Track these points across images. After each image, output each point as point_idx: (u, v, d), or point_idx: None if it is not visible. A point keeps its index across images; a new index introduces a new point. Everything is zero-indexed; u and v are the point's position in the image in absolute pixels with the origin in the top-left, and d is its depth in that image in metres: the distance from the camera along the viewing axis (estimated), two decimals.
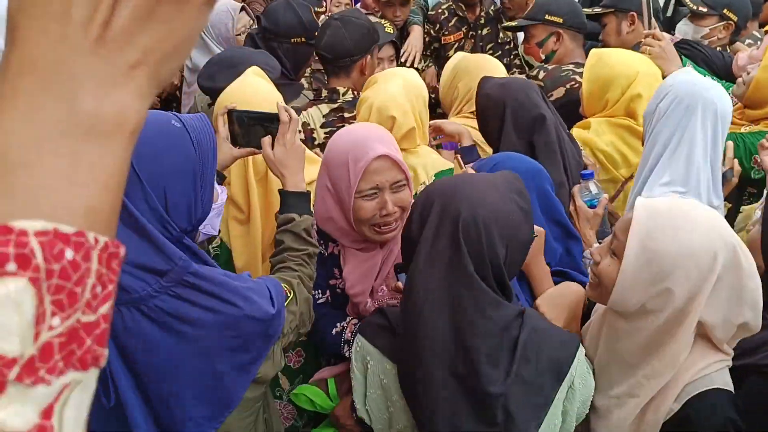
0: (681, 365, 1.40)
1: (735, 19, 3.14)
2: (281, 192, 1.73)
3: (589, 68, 2.54)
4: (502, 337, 1.37)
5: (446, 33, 4.02)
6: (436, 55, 4.12)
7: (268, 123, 1.77)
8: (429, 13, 4.12)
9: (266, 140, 1.74)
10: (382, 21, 3.37)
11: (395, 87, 2.22)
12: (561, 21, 2.96)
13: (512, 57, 4.03)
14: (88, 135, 0.38)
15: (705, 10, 3.16)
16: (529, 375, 1.37)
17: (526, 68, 3.20)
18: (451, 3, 4.04)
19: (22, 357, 0.34)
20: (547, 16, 2.96)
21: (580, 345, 1.46)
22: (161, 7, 0.38)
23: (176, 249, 1.26)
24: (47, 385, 0.35)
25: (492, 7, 4.05)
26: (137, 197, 1.25)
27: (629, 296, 1.41)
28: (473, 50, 3.86)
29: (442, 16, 4.02)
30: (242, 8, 3.27)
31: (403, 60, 3.74)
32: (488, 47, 4.00)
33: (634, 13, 3.04)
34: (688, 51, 2.99)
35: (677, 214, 1.40)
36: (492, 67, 2.70)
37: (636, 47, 2.90)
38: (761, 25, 3.46)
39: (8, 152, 0.36)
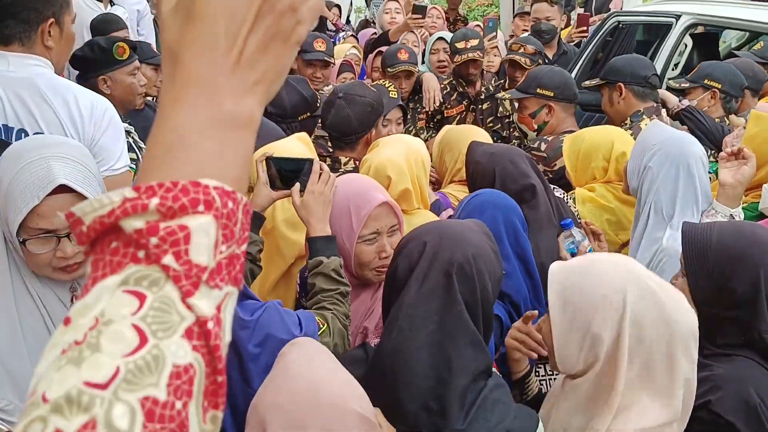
0: (629, 414, 1.39)
1: (719, 86, 3.31)
2: (308, 239, 1.82)
3: (566, 150, 2.73)
4: (474, 381, 1.42)
5: (448, 107, 4.24)
6: (438, 126, 4.34)
7: (299, 170, 1.89)
8: None
9: (295, 188, 1.85)
10: (386, 84, 3.41)
11: (394, 150, 2.35)
12: (552, 94, 3.12)
13: (512, 129, 4.22)
14: (230, 127, 0.54)
15: (687, 85, 3.38)
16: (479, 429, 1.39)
17: (524, 138, 3.38)
18: (452, 79, 4.28)
19: (207, 267, 0.49)
20: (538, 90, 3.12)
21: (540, 420, 1.50)
22: (272, 44, 0.55)
23: None
24: (219, 290, 0.50)
25: (492, 83, 4.29)
26: None
27: (567, 352, 1.46)
28: (474, 123, 4.07)
29: (444, 91, 4.25)
30: None
31: (427, 108, 3.97)
32: (488, 120, 4.21)
33: (621, 84, 3.14)
34: (691, 120, 3.16)
35: (584, 266, 1.48)
36: (473, 136, 2.78)
37: (635, 117, 3.06)
38: (761, 98, 3.62)
39: (183, 136, 0.52)
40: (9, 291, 1.50)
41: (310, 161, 1.89)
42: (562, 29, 5.47)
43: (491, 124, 4.20)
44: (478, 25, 4.76)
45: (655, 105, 3.14)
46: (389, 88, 3.30)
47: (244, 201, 0.52)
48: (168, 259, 0.48)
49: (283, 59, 0.56)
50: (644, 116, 3.03)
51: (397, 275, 1.51)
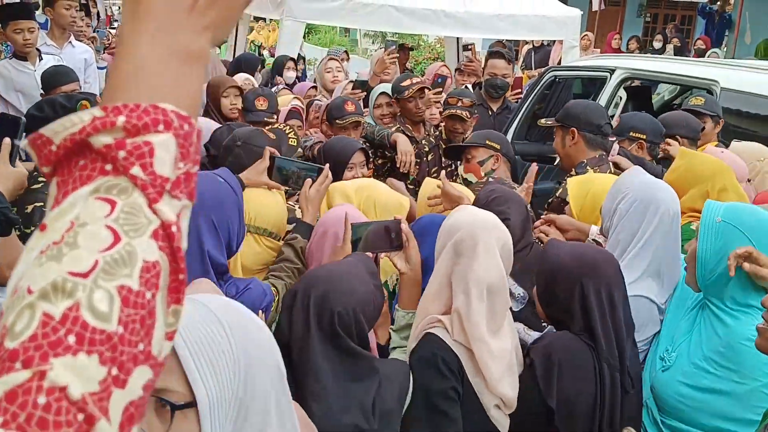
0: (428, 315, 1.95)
1: (644, 136, 3.50)
2: (298, 219, 2.42)
3: (573, 192, 2.81)
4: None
5: None
6: (388, 172, 4.39)
7: (307, 173, 2.47)
8: None
9: (308, 182, 2.45)
10: (287, 130, 3.36)
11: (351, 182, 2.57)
12: (498, 147, 3.30)
13: (454, 178, 4.30)
14: (185, 60, 0.59)
15: (614, 138, 3.46)
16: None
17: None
18: (398, 125, 4.40)
19: (170, 179, 0.54)
20: (488, 142, 3.32)
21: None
22: None
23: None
24: (178, 200, 0.55)
25: (434, 132, 4.45)
26: (211, 241, 1.94)
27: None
28: (419, 174, 4.16)
29: None
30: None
31: (399, 167, 4.04)
32: (433, 170, 4.29)
33: (575, 129, 3.20)
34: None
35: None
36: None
37: (579, 167, 3.14)
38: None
39: (144, 65, 0.57)
40: None
41: (320, 168, 2.48)
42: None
43: (435, 175, 4.26)
44: (427, 80, 4.90)
45: (600, 155, 3.20)
46: (289, 135, 3.29)
47: (197, 127, 0.57)
48: (136, 170, 0.53)
49: (230, 10, 0.63)
50: (588, 167, 3.10)
51: (294, 325, 1.73)
